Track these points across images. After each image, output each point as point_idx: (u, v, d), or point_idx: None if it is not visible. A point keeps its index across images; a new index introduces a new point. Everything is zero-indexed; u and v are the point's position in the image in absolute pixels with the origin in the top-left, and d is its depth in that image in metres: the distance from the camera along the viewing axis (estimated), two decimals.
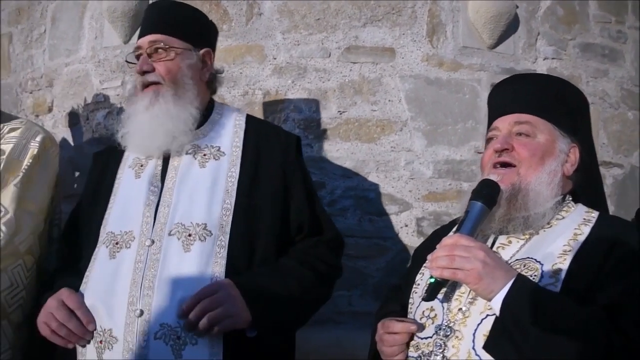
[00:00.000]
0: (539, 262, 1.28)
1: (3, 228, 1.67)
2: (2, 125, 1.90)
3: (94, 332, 1.48)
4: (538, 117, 1.42)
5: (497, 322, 1.20)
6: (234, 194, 1.63)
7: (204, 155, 1.69)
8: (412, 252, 2.03)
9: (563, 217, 1.38)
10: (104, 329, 1.46)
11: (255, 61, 2.64)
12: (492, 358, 1.20)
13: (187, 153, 1.69)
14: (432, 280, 1.26)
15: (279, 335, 1.63)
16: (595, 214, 1.38)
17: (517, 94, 1.47)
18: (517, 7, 2.72)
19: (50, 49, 3.02)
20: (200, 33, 1.83)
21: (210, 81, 1.84)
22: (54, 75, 2.99)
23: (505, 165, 1.40)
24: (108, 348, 1.44)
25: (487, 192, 1.31)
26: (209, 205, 1.60)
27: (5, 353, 1.61)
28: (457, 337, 1.27)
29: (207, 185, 1.63)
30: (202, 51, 1.80)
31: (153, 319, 1.44)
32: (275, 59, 2.63)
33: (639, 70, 3.11)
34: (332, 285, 1.85)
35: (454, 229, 1.38)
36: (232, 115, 1.83)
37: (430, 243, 1.48)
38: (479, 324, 1.26)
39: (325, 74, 2.61)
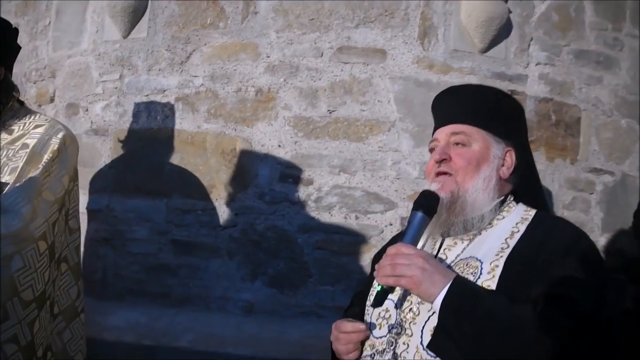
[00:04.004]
0: (479, 260, 1.35)
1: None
2: (27, 120, 2.02)
3: None
4: (472, 126, 1.49)
5: (438, 322, 1.26)
6: None
7: None
8: None
9: (503, 217, 1.45)
10: None
11: (250, 59, 2.70)
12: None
13: None
14: (379, 287, 1.32)
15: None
16: (532, 212, 1.46)
17: (452, 105, 1.55)
18: (511, 12, 2.74)
19: (54, 41, 3.11)
20: None
21: None
22: (57, 67, 3.08)
23: (444, 174, 1.48)
24: None
25: (426, 203, 1.38)
26: None
27: (13, 327, 1.72)
28: (407, 334, 1.34)
29: None
30: None
31: None
32: (268, 57, 2.69)
33: (635, 78, 3.11)
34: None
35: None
36: None
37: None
38: (426, 321, 1.32)
39: (316, 73, 2.66)
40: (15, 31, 2.10)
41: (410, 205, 2.55)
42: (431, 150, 1.54)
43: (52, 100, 3.10)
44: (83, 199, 2.84)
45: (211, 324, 2.49)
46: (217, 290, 2.63)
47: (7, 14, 3.40)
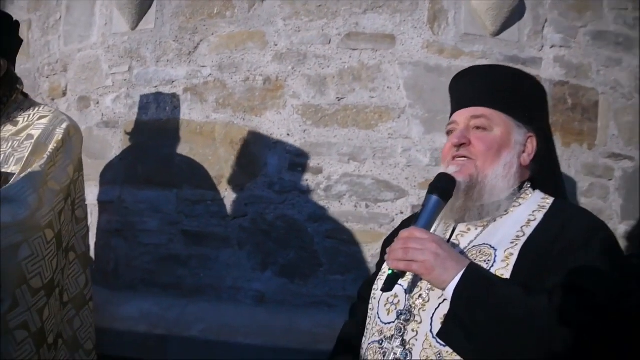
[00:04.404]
0: (493, 247, 1.31)
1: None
2: (32, 112, 2.04)
3: None
4: (493, 109, 1.43)
5: (450, 310, 1.22)
6: None
7: None
8: None
9: (520, 205, 1.40)
10: None
11: (257, 47, 2.68)
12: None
13: None
14: (390, 272, 1.29)
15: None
16: (550, 200, 1.41)
17: (473, 87, 1.48)
18: None
19: (65, 35, 3.14)
20: None
21: None
22: (68, 61, 3.10)
23: (463, 157, 1.43)
24: None
25: (442, 186, 1.33)
26: None
27: (23, 314, 1.75)
28: (416, 321, 1.30)
29: None
30: None
31: None
32: (276, 45, 2.66)
33: None
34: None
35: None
36: None
37: (397, 233, 1.51)
38: (436, 309, 1.28)
39: (324, 61, 2.63)
40: (16, 24, 2.11)
41: (422, 193, 2.50)
42: (448, 133, 1.48)
43: (64, 94, 3.12)
44: (95, 191, 2.87)
45: (222, 314, 2.49)
46: (227, 280, 2.63)
47: (19, 10, 3.45)
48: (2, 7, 3.60)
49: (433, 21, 2.61)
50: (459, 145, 1.41)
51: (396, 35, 2.61)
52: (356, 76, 2.61)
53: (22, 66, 3.40)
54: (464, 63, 2.60)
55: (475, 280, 1.21)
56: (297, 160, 2.62)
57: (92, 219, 2.86)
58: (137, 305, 2.53)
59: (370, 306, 1.47)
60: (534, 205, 1.39)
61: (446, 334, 1.21)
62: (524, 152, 1.43)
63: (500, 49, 2.65)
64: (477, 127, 1.42)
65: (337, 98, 2.61)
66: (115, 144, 2.86)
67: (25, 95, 2.15)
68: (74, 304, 1.99)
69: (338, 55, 2.62)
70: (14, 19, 2.09)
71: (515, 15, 2.65)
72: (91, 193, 2.86)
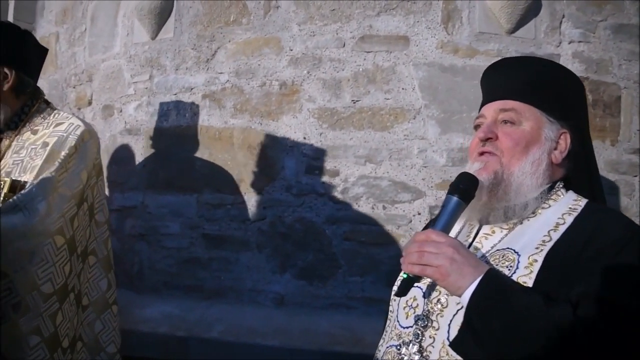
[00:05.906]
0: (517, 252, 1.23)
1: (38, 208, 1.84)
2: (51, 119, 2.07)
3: None
4: (524, 103, 1.35)
5: (464, 319, 1.16)
6: None
7: None
8: None
9: (549, 206, 1.32)
10: None
11: (273, 53, 2.72)
12: None
13: None
14: (405, 275, 1.23)
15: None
16: (582, 203, 1.32)
17: (503, 79, 1.40)
18: None
19: (90, 46, 3.25)
20: None
21: None
22: (93, 71, 3.21)
23: (488, 153, 1.35)
24: None
25: (463, 187, 1.27)
26: None
27: (35, 319, 1.78)
28: (433, 327, 1.25)
29: None
30: None
31: None
32: (291, 50, 2.70)
33: None
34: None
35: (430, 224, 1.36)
36: None
37: None
38: (454, 315, 1.23)
39: (339, 64, 2.65)
40: (25, 33, 2.08)
41: (439, 194, 2.44)
42: (476, 127, 1.41)
43: (90, 103, 3.23)
44: (120, 196, 2.96)
45: (242, 316, 2.53)
46: (247, 282, 2.67)
47: (48, 23, 3.58)
48: (33, 21, 3.76)
49: (447, 21, 2.61)
50: (486, 140, 1.33)
51: (410, 37, 2.61)
52: (371, 78, 2.62)
53: (51, 77, 3.54)
54: (479, 62, 2.59)
55: (493, 287, 1.13)
56: (314, 163, 2.65)
57: (118, 224, 2.95)
58: (160, 308, 2.59)
59: (390, 308, 1.42)
60: (564, 208, 1.30)
61: (459, 344, 1.16)
62: (555, 149, 1.34)
63: (516, 46, 2.62)
64: (505, 121, 1.34)
65: (352, 101, 2.63)
66: (138, 151, 2.94)
67: (48, 103, 2.16)
68: (95, 308, 2.01)
69: (352, 58, 2.64)
70: (22, 28, 2.08)
71: (530, 12, 2.62)
72: (116, 199, 2.95)
